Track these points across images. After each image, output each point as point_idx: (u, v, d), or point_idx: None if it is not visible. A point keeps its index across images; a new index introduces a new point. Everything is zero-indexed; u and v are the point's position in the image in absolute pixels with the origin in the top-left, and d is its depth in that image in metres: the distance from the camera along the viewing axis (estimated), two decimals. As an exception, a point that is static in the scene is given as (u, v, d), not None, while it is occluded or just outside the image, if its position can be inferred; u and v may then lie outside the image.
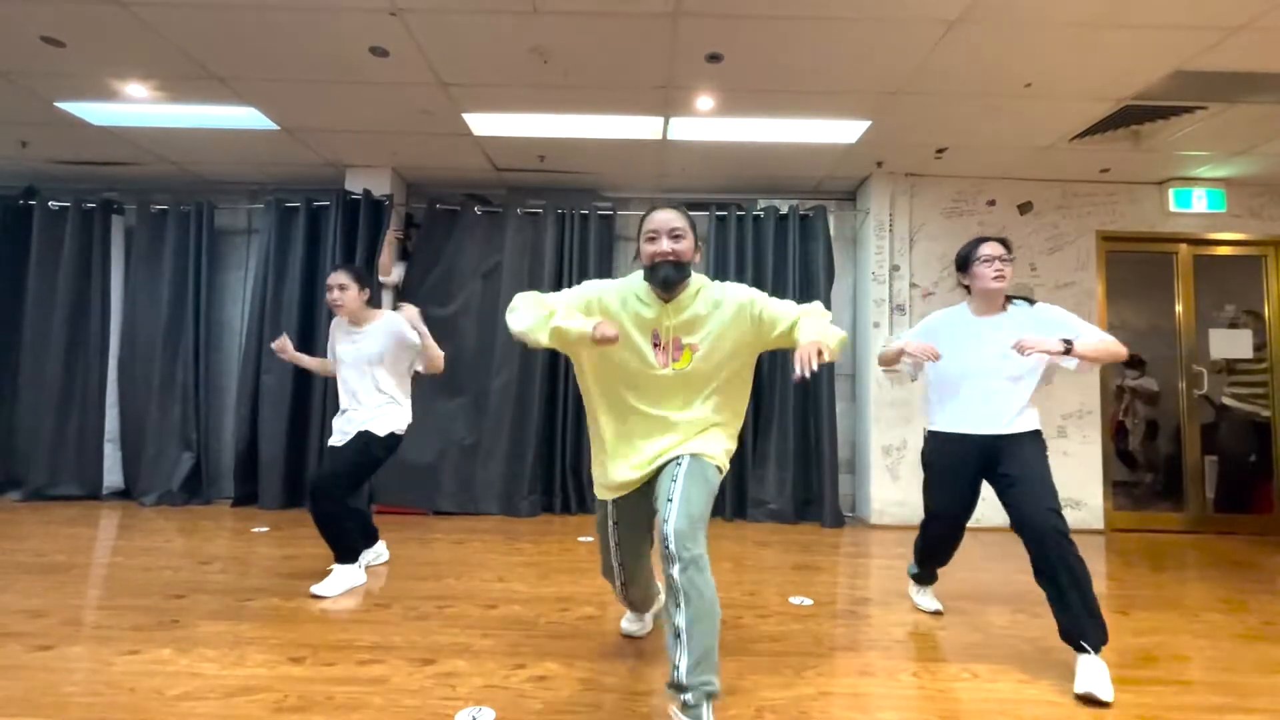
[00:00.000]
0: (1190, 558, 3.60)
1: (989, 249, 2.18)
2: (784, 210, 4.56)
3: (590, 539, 3.61)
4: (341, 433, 2.73)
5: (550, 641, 2.09)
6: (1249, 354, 4.46)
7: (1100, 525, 4.28)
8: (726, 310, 1.68)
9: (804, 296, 4.48)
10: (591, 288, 1.75)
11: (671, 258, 1.64)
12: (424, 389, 4.45)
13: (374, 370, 2.73)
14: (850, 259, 4.73)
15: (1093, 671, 1.79)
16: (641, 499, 1.76)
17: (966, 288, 2.26)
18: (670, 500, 1.56)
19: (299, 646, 1.99)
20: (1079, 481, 4.29)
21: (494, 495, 4.30)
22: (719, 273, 4.50)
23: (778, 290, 4.48)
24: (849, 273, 4.72)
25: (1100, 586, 2.94)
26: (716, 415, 1.74)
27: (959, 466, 2.19)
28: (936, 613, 2.47)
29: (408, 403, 2.83)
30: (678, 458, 1.66)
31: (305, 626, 2.16)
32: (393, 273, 4.50)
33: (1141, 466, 4.64)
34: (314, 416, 4.32)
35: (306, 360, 2.99)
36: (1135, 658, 2.09)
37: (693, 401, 1.71)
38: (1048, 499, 1.95)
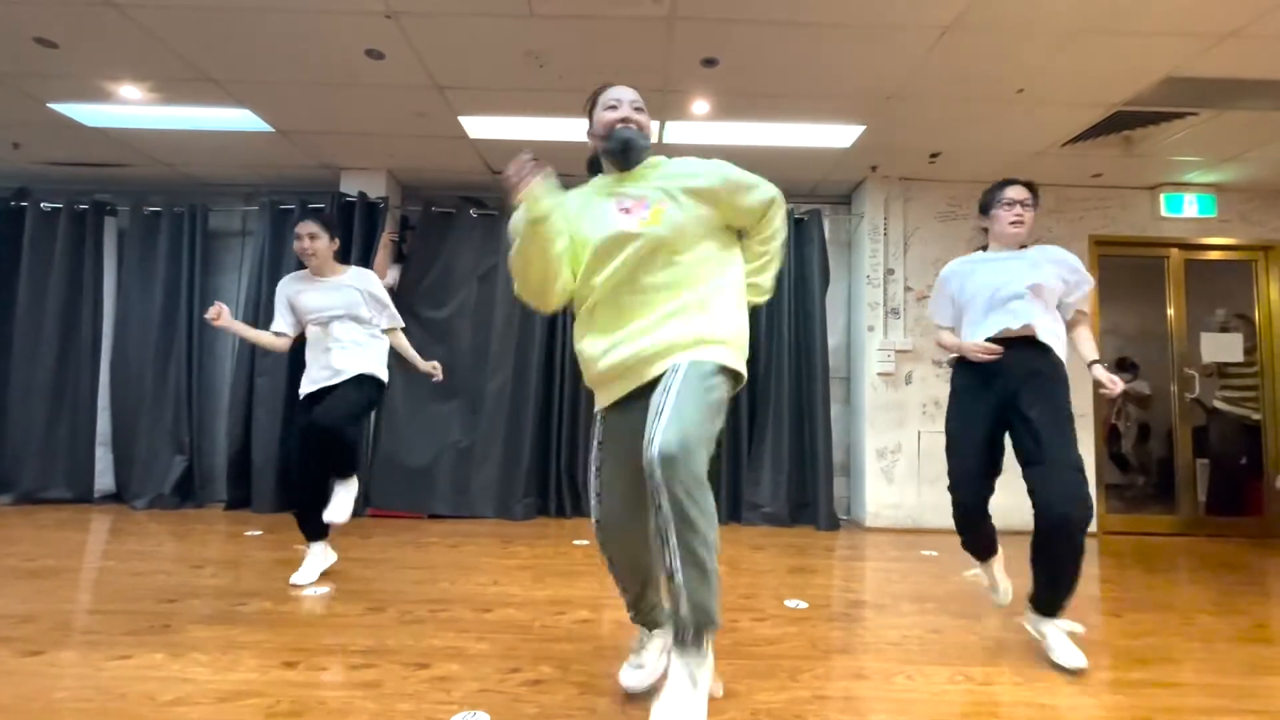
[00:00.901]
0: (1182, 560, 3.62)
1: (1012, 192, 2.08)
2: (779, 214, 4.57)
3: (585, 542, 3.60)
4: (315, 382, 2.69)
5: (545, 645, 2.08)
6: (1240, 358, 4.50)
7: (1093, 528, 4.28)
8: (694, 166, 1.57)
9: (799, 299, 4.50)
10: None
11: (633, 124, 1.53)
12: (419, 392, 4.45)
13: (346, 323, 2.68)
14: (845, 263, 4.75)
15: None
16: (633, 424, 1.45)
17: (985, 230, 2.19)
18: (659, 414, 1.32)
19: (292, 651, 1.98)
20: (1072, 484, 4.31)
21: (489, 498, 4.29)
22: (714, 276, 4.51)
23: (774, 294, 4.48)
24: (844, 276, 4.73)
25: (1094, 589, 2.96)
26: (702, 277, 1.51)
27: (981, 389, 2.05)
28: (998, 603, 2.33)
29: (384, 358, 2.81)
30: (674, 366, 1.42)
31: (298, 631, 2.15)
32: (388, 275, 4.49)
33: (1134, 469, 4.67)
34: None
35: (245, 330, 2.76)
36: (1128, 660, 2.10)
37: (660, 259, 1.49)
38: (1073, 479, 1.82)
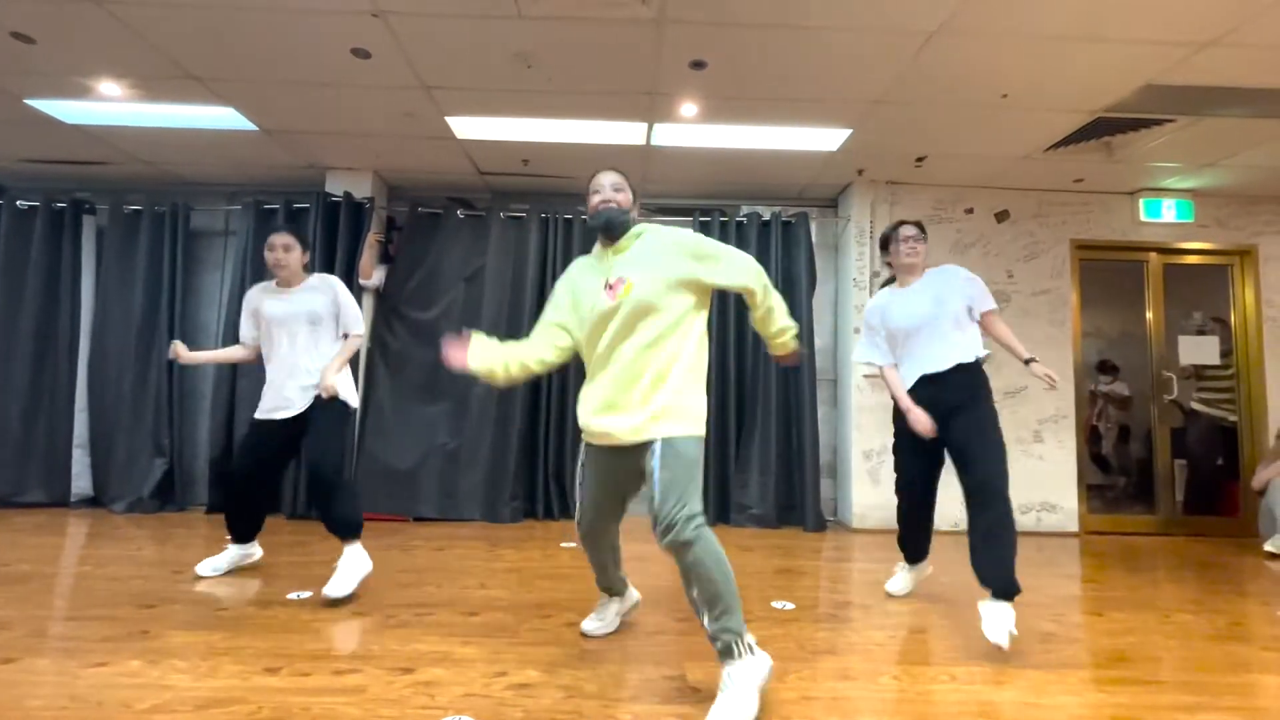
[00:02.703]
0: (1161, 559, 3.68)
1: (905, 230, 2.53)
2: (766, 217, 4.59)
3: (573, 544, 3.59)
4: (286, 400, 2.61)
5: (532, 649, 2.07)
6: (1216, 360, 4.59)
7: (1075, 528, 4.36)
8: (664, 239, 1.85)
9: (786, 301, 4.50)
10: (560, 283, 2.00)
11: (613, 204, 1.86)
12: (405, 394, 4.41)
13: (312, 331, 2.65)
14: (832, 265, 4.78)
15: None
16: (609, 461, 1.87)
17: (889, 264, 2.63)
18: (655, 499, 1.69)
19: (274, 656, 1.95)
20: (1054, 485, 4.37)
21: (476, 501, 4.26)
22: (702, 278, 4.52)
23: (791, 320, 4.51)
24: (830, 279, 4.77)
25: (1075, 589, 3.00)
26: (669, 357, 1.76)
27: (919, 439, 2.43)
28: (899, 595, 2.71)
29: (350, 379, 2.74)
30: (651, 443, 1.73)
31: (280, 636, 2.12)
32: (374, 276, 4.45)
33: (1114, 470, 4.74)
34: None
35: (211, 356, 2.79)
36: (1109, 658, 2.13)
37: (635, 328, 1.77)
38: (998, 465, 2.20)
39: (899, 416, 2.51)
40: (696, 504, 1.68)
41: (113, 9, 2.69)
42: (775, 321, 2.00)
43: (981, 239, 4.52)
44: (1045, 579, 3.14)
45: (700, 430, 1.78)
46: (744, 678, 1.60)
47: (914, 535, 2.66)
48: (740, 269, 1.85)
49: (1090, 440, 4.63)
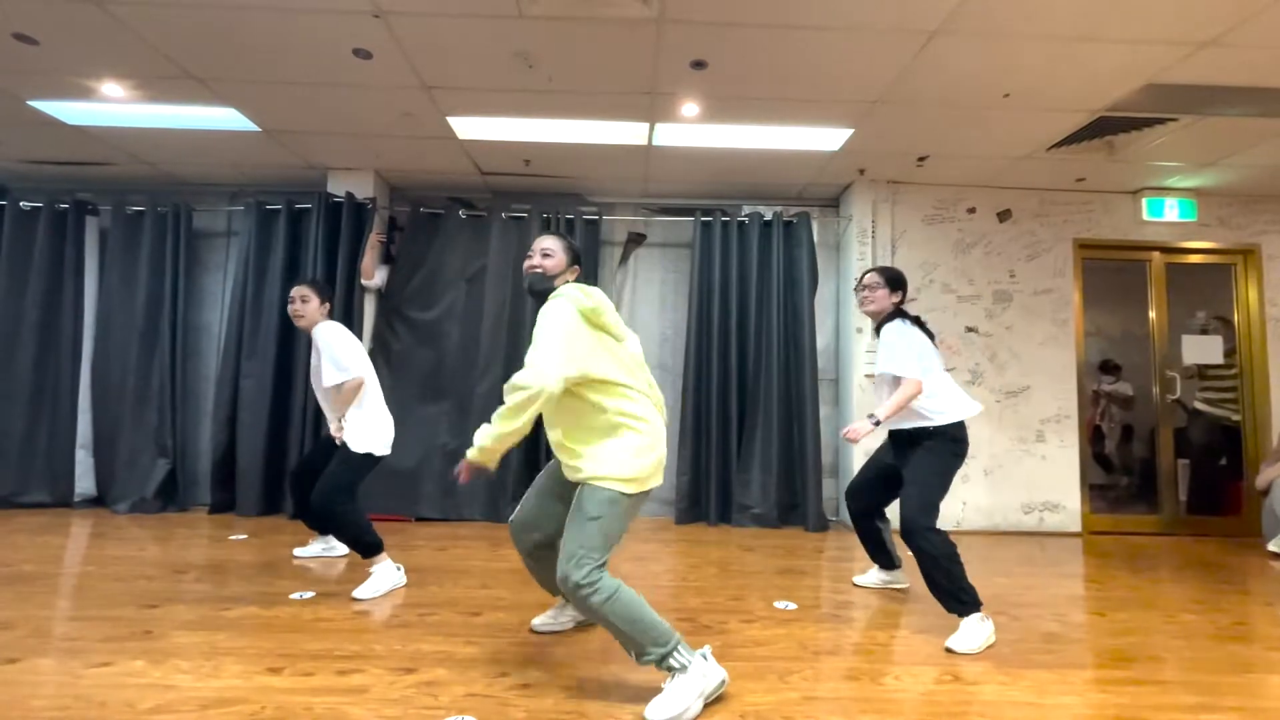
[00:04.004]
0: (1164, 559, 3.67)
1: (864, 279, 2.66)
2: (768, 216, 4.59)
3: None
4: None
5: (534, 649, 2.07)
6: (1220, 359, 4.58)
7: (1078, 528, 4.35)
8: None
9: (788, 301, 4.52)
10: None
11: (538, 269, 1.94)
12: (407, 394, 4.42)
13: (316, 377, 2.92)
14: (833, 265, 4.78)
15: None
16: (556, 478, 2.01)
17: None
18: (564, 542, 1.76)
19: (277, 656, 1.95)
20: (1057, 485, 4.36)
21: (477, 501, 4.27)
22: (703, 278, 4.52)
23: (762, 295, 4.52)
24: (832, 278, 4.76)
25: (1078, 589, 2.99)
26: (571, 410, 1.84)
27: (885, 442, 2.71)
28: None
29: (364, 418, 2.78)
30: (575, 494, 1.82)
31: (283, 636, 2.12)
32: (375, 276, 4.45)
33: (1117, 470, 4.73)
34: (293, 422, 4.26)
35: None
36: (1112, 658, 2.13)
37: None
38: (914, 501, 2.34)
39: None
40: (585, 566, 1.70)
41: (115, 10, 2.69)
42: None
43: (983, 238, 4.52)
44: (1048, 579, 3.13)
45: (616, 478, 1.77)
46: (681, 685, 1.67)
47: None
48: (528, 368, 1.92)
49: (1093, 440, 4.62)
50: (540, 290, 1.94)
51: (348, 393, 2.76)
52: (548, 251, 1.95)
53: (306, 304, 2.82)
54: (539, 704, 1.70)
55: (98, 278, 4.56)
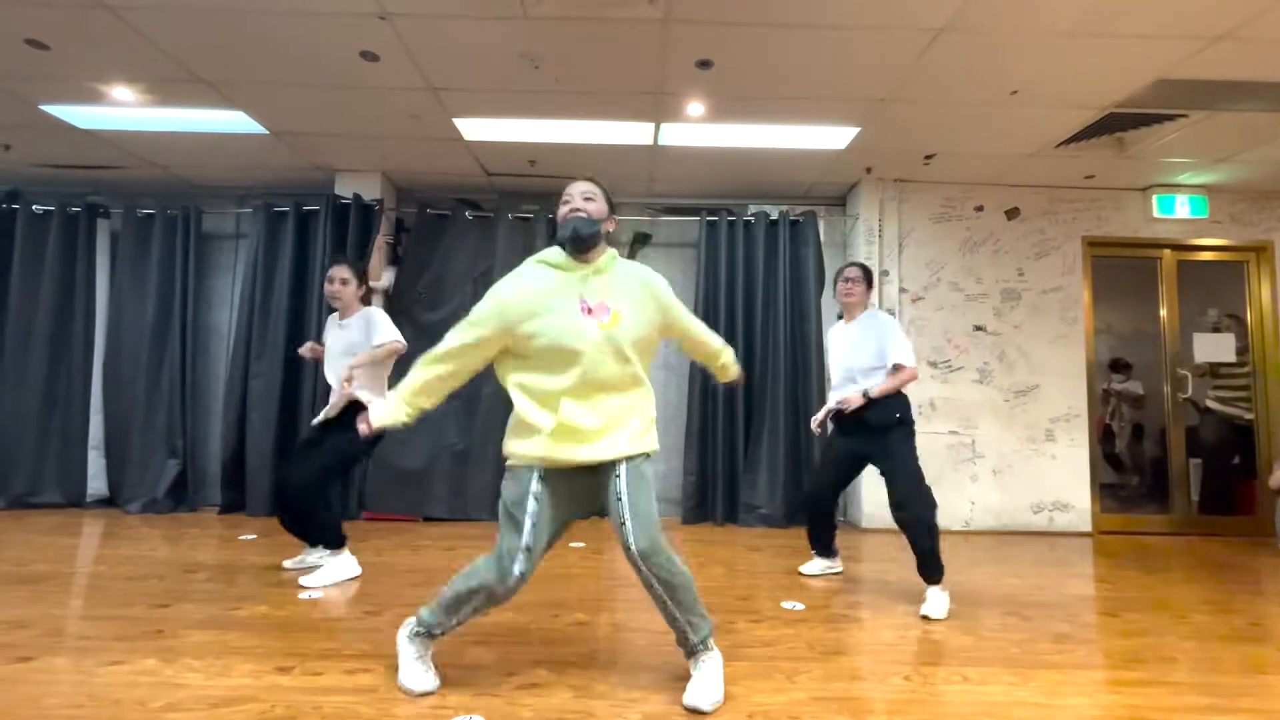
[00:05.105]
0: (1176, 559, 3.64)
1: (848, 272, 2.85)
2: (774, 215, 4.58)
3: (581, 545, 3.59)
4: (324, 414, 2.81)
5: (541, 648, 2.08)
6: (1232, 358, 4.53)
7: (1088, 528, 4.31)
8: (639, 281, 1.80)
9: (794, 301, 4.50)
10: (493, 301, 1.71)
11: (581, 213, 1.73)
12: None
13: (346, 361, 2.82)
14: (840, 264, 4.75)
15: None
16: (569, 484, 1.73)
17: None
18: (623, 522, 1.67)
19: (287, 656, 1.97)
20: (1067, 484, 4.33)
21: (484, 501, 4.28)
22: (709, 278, 4.52)
23: (769, 295, 4.50)
24: (839, 277, 4.74)
25: (1089, 589, 2.97)
26: (643, 380, 1.79)
27: (841, 434, 2.80)
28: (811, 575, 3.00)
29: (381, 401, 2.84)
30: (615, 465, 1.71)
31: (293, 635, 2.14)
32: (383, 278, 4.48)
33: (1128, 469, 4.69)
34: (302, 423, 4.28)
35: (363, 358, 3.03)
36: (1123, 659, 2.11)
37: (625, 363, 1.72)
38: (917, 487, 2.56)
39: (828, 438, 2.95)
40: (660, 536, 1.71)
41: (125, 15, 2.72)
42: (722, 355, 2.07)
43: (991, 236, 4.49)
44: (1058, 579, 3.11)
45: (655, 443, 1.82)
46: (717, 666, 1.77)
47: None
48: (699, 324, 1.99)
49: (1103, 439, 4.58)
50: (586, 235, 1.71)
51: (386, 354, 2.79)
52: (589, 195, 1.77)
53: (346, 286, 2.84)
54: (546, 704, 1.70)
55: (109, 280, 4.60)
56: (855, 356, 2.74)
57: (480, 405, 4.36)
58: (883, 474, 2.65)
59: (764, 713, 1.68)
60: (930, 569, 2.51)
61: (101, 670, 1.84)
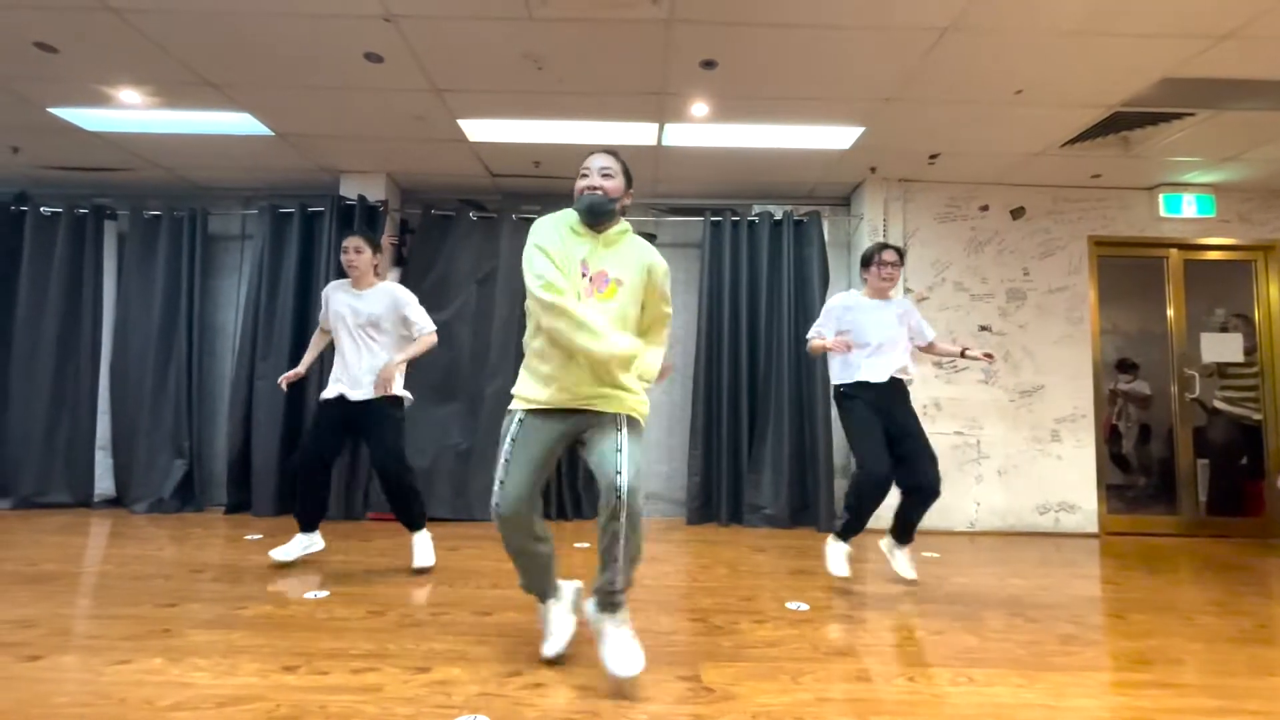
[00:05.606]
0: (1183, 561, 3.62)
1: (888, 255, 2.85)
2: (778, 216, 4.58)
3: (586, 545, 3.60)
4: (339, 387, 2.88)
5: (546, 648, 2.07)
6: (1239, 358, 4.50)
7: (1095, 529, 4.29)
8: (643, 262, 1.86)
9: (799, 301, 4.50)
10: (538, 242, 1.81)
11: (599, 191, 1.79)
12: (418, 394, 4.44)
13: (372, 331, 2.89)
14: (845, 264, 4.75)
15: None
16: (550, 424, 1.84)
17: (864, 279, 2.94)
18: (620, 471, 1.73)
19: (292, 655, 1.97)
20: (1073, 485, 4.31)
21: (488, 502, 4.27)
22: (714, 278, 4.52)
23: (773, 295, 4.50)
24: (843, 277, 4.73)
25: (1095, 590, 2.96)
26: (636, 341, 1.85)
27: (874, 412, 2.77)
28: (844, 578, 2.85)
29: (401, 376, 2.98)
30: (616, 420, 1.80)
31: (299, 635, 2.15)
32: (387, 279, 4.48)
33: (1135, 470, 4.67)
34: (308, 421, 4.30)
35: (307, 361, 3.15)
36: (1130, 661, 2.10)
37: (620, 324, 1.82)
38: (931, 459, 2.74)
39: (851, 408, 2.83)
40: (642, 490, 1.81)
41: (132, 19, 2.74)
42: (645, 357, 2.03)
43: (996, 236, 4.48)
44: (1064, 580, 3.10)
45: (646, 407, 1.92)
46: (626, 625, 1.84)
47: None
48: (664, 325, 2.03)
49: (1110, 439, 4.56)
50: (602, 213, 1.78)
51: (425, 348, 2.91)
52: (608, 171, 1.80)
53: (361, 254, 2.91)
54: (552, 703, 1.70)
55: (116, 281, 4.63)
56: (897, 333, 2.84)
57: (483, 405, 4.37)
58: (903, 446, 2.74)
59: (768, 713, 1.68)
60: (909, 531, 2.82)
61: (109, 669, 1.85)
